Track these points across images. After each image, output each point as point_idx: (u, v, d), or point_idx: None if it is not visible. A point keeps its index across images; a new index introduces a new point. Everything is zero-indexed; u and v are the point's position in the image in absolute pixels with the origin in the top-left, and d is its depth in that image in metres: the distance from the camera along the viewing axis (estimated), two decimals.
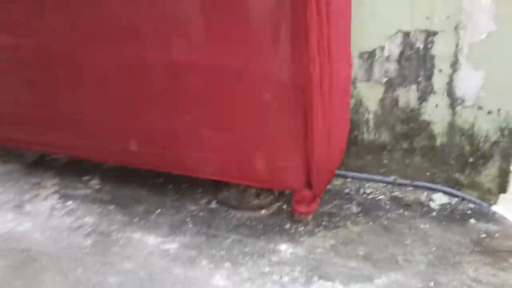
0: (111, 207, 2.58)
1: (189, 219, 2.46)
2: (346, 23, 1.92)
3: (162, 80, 2.43)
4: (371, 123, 2.63)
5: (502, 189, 2.46)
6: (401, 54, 2.43)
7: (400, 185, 2.64)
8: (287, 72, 2.14)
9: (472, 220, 2.35)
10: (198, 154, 2.52)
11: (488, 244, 2.17)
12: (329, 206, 2.51)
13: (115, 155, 2.71)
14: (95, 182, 2.81)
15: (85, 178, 2.85)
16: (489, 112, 2.35)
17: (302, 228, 2.35)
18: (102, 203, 2.61)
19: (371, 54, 2.47)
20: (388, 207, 2.49)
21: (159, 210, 2.54)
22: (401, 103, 2.53)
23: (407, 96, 2.50)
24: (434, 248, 2.15)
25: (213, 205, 2.58)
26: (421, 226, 2.31)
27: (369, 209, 2.48)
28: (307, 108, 1.97)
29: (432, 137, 2.53)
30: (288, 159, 2.29)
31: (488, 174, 2.46)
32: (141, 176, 2.81)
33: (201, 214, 2.51)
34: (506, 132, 2.35)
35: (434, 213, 2.42)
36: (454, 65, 2.35)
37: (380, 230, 2.31)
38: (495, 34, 2.20)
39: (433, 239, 2.22)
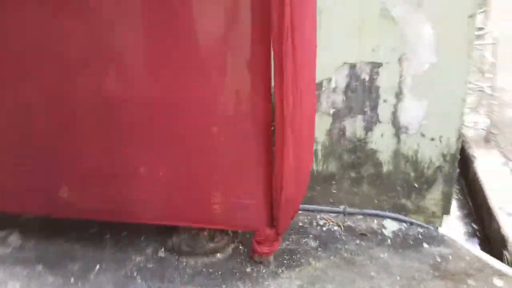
0: (39, 267, 2.19)
1: (136, 273, 2.18)
2: (314, 54, 1.87)
3: (95, 114, 2.17)
4: (319, 154, 2.61)
5: (446, 211, 2.58)
6: (348, 85, 2.46)
7: (350, 214, 2.64)
8: (247, 105, 2.03)
9: (425, 245, 2.41)
10: (141, 197, 2.28)
11: (445, 268, 2.23)
12: (287, 242, 2.40)
13: (40, 204, 2.33)
14: (14, 238, 2.38)
15: (1, 234, 2.40)
16: (432, 139, 2.46)
17: (264, 270, 2.21)
18: (27, 263, 2.21)
19: (319, 86, 2.46)
20: (344, 238, 2.46)
21: (99, 266, 2.22)
22: (348, 133, 2.54)
23: (354, 126, 2.53)
24: (398, 278, 2.15)
25: (162, 253, 2.32)
26: (381, 256, 2.31)
27: (327, 242, 2.42)
28: (278, 144, 1.87)
29: (378, 165, 2.58)
30: (248, 196, 2.15)
31: (432, 198, 2.57)
32: (71, 227, 2.45)
33: (149, 265, 2.24)
34: (448, 158, 2.47)
35: (389, 241, 2.44)
36: (398, 95, 2.43)
37: (342, 264, 2.26)
38: (436, 65, 2.32)
39: (395, 268, 2.22)
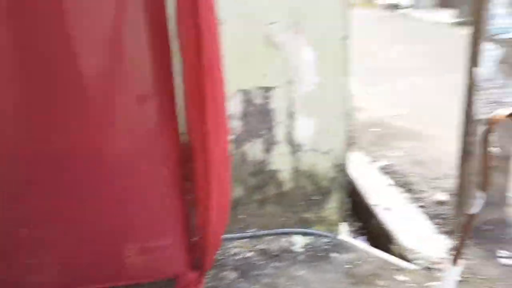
0: None
1: None
2: (224, 82, 1.84)
3: None
4: None
5: (343, 218, 2.77)
6: (244, 111, 2.48)
7: (260, 236, 2.66)
8: (151, 145, 1.93)
9: (333, 254, 2.54)
10: (39, 261, 1.99)
11: (356, 274, 2.38)
12: (206, 279, 2.31)
13: None
14: None
15: None
16: (324, 153, 2.63)
17: None
18: None
19: None
20: (260, 263, 2.46)
21: None
22: (249, 157, 2.57)
23: (254, 149, 2.56)
24: None
25: None
26: (299, 274, 2.37)
27: (245, 270, 2.40)
28: (201, 183, 1.78)
29: (280, 184, 2.66)
30: (164, 241, 2.03)
31: (331, 208, 2.74)
32: None
33: None
34: (339, 168, 2.66)
35: (302, 257, 2.52)
36: (291, 116, 2.53)
37: None
38: (319, 85, 2.48)
39: (316, 284, 2.30)
